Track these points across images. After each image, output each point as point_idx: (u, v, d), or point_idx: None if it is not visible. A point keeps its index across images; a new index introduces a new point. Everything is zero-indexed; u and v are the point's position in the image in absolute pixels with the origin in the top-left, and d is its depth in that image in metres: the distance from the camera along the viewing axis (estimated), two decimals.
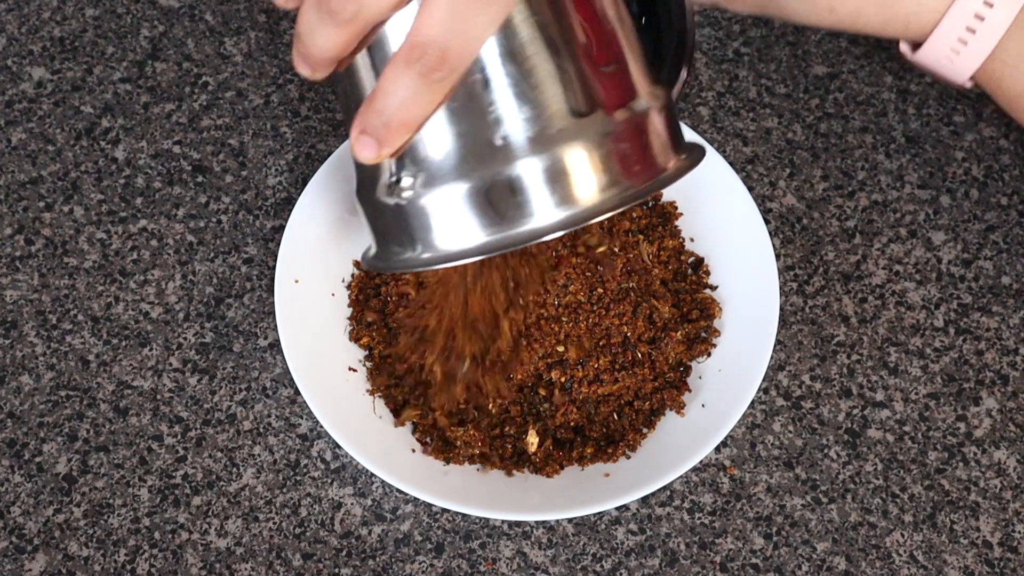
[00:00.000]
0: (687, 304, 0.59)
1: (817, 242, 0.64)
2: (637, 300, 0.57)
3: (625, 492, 0.53)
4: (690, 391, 0.57)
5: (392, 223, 0.43)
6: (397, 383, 0.57)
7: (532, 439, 0.56)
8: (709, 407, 0.56)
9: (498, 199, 0.40)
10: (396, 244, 0.43)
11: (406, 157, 0.41)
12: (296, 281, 0.58)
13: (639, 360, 0.57)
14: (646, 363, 0.57)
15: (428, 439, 0.56)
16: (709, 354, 0.58)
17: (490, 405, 0.56)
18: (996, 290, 0.63)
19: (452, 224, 0.41)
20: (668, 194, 0.63)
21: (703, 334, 0.59)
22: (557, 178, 0.40)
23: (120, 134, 0.66)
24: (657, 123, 0.43)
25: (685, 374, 0.58)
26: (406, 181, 0.41)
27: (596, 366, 0.56)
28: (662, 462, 0.54)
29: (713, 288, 0.60)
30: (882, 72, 0.69)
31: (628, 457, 0.56)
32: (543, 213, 0.40)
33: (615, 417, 0.57)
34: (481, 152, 0.40)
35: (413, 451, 0.56)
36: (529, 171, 0.40)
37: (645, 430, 0.57)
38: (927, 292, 0.63)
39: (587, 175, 0.40)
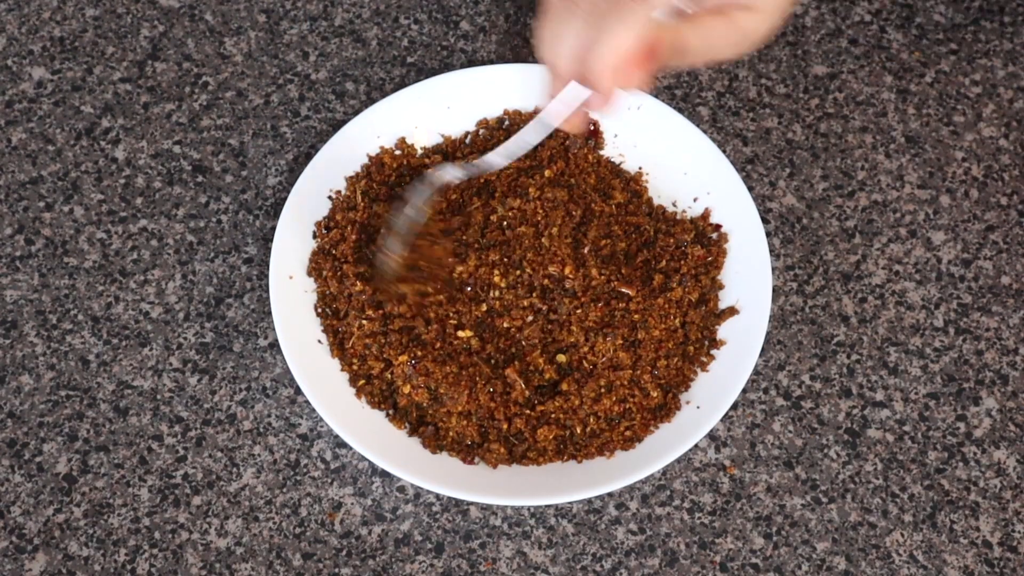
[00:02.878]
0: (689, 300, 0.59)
1: (817, 242, 0.64)
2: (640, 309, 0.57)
3: (617, 480, 0.54)
4: (688, 389, 0.58)
5: None
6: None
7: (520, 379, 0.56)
8: (699, 404, 0.56)
9: None
10: None
11: None
12: (291, 277, 0.58)
13: (638, 360, 0.57)
14: (646, 363, 0.57)
15: (423, 426, 0.56)
16: (708, 359, 0.58)
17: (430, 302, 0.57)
18: (996, 290, 0.63)
19: None
20: (671, 190, 0.63)
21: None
22: None
23: (120, 134, 0.66)
24: None
25: (685, 373, 0.58)
26: None
27: (600, 357, 0.56)
28: (652, 453, 0.55)
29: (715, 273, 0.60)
30: (882, 72, 0.69)
31: (626, 450, 0.56)
32: None
33: (616, 412, 0.57)
34: None
35: (410, 440, 0.56)
36: None
37: (645, 428, 0.57)
38: (927, 292, 0.63)
39: None
